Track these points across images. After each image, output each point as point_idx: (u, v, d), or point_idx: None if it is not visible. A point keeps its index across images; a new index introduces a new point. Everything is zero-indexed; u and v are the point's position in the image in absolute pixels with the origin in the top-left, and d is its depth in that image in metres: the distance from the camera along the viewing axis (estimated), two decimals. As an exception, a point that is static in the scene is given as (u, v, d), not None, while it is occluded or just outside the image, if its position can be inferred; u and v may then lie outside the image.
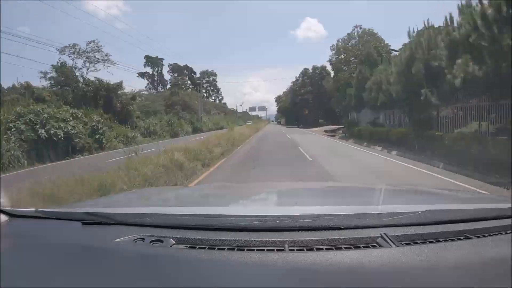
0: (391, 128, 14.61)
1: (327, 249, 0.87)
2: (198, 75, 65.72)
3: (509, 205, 1.12)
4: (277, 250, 0.87)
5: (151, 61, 56.73)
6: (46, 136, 13.03)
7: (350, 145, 15.94)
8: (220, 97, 75.56)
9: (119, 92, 23.67)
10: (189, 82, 60.80)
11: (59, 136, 13.51)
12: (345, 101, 23.65)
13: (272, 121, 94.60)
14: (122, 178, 4.73)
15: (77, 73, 24.59)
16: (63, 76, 23.41)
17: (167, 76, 60.59)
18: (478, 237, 0.94)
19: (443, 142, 8.95)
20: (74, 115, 15.59)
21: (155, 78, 57.70)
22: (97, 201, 2.10)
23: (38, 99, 18.84)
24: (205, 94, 73.17)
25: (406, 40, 12.36)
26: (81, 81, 24.38)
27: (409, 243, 0.89)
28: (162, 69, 58.54)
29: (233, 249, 0.87)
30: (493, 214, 1.08)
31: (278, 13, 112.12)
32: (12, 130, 12.26)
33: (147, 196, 1.94)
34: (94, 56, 25.28)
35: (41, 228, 1.15)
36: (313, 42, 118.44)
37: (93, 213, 1.15)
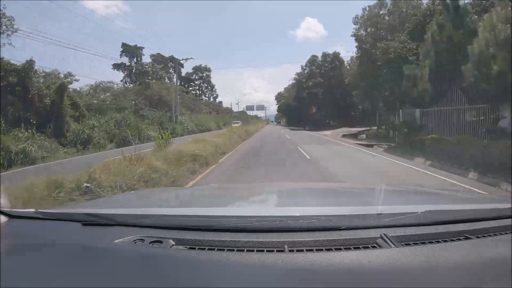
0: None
1: (327, 249, 0.87)
2: (190, 70, 57.22)
3: (509, 205, 1.12)
4: (277, 251, 0.87)
5: (128, 50, 47.73)
6: None
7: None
8: (214, 95, 66.38)
9: (34, 79, 15.15)
10: (165, 71, 52.00)
11: None
12: (380, 92, 16.27)
13: (272, 121, 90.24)
14: None
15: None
16: None
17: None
18: (478, 237, 0.94)
19: None
20: None
21: (133, 70, 48.90)
22: (97, 202, 2.13)
23: None
24: (198, 92, 64.35)
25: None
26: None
27: (409, 244, 0.89)
28: (141, 59, 49.48)
29: (233, 250, 0.87)
30: (493, 214, 1.08)
31: (278, 13, 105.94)
32: None
33: (146, 196, 1.94)
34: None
35: (40, 229, 1.15)
36: (313, 42, 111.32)
37: (93, 214, 1.15)
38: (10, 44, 16.76)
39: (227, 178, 7.10)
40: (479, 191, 4.79)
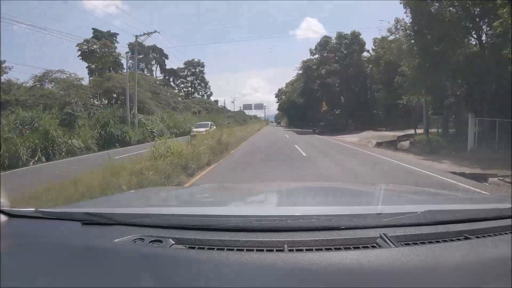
0: None
1: (327, 249, 0.87)
2: (175, 62, 48.76)
3: (509, 206, 1.11)
4: (277, 250, 0.86)
5: (99, 37, 39.68)
6: None
7: None
8: (208, 92, 58.25)
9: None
10: (146, 62, 42.98)
11: None
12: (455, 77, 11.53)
13: (272, 121, 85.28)
14: None
15: None
16: None
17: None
18: (478, 237, 0.94)
19: None
20: None
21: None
22: (97, 201, 2.09)
23: None
24: (190, 89, 56.74)
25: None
26: None
27: (408, 244, 0.89)
28: (115, 48, 41.22)
29: (233, 250, 0.87)
30: (493, 214, 1.08)
31: (278, 13, 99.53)
32: None
33: (146, 196, 1.93)
34: None
35: (40, 228, 1.15)
36: (313, 42, 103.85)
37: (93, 213, 1.15)
38: None
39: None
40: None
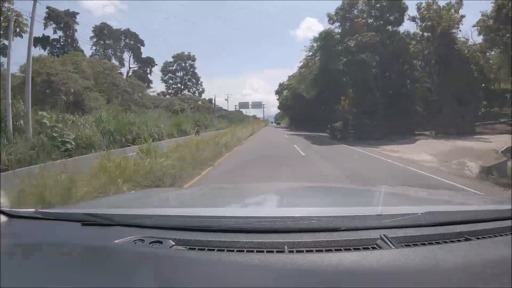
0: None
1: (327, 250, 0.87)
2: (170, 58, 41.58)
3: (509, 207, 1.11)
4: (277, 251, 0.86)
5: (53, 16, 31.34)
6: None
7: None
8: (200, 89, 50.09)
9: None
10: (115, 49, 34.04)
11: None
12: None
13: (272, 122, 79.13)
14: None
15: None
16: None
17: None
18: (478, 238, 0.93)
19: None
20: None
21: (64, 45, 32.62)
22: (97, 202, 2.09)
23: None
24: (180, 85, 50.33)
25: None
26: None
27: (408, 245, 0.89)
28: (74, 32, 32.96)
29: (233, 251, 0.87)
30: (493, 215, 1.08)
31: (278, 13, 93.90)
32: None
33: (146, 197, 1.92)
34: None
35: (40, 229, 1.15)
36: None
37: (93, 214, 1.15)
38: None
39: None
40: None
